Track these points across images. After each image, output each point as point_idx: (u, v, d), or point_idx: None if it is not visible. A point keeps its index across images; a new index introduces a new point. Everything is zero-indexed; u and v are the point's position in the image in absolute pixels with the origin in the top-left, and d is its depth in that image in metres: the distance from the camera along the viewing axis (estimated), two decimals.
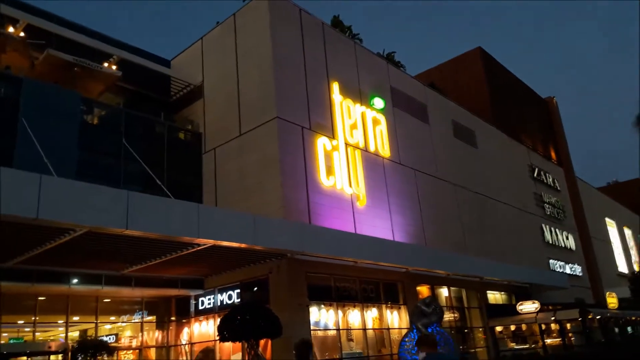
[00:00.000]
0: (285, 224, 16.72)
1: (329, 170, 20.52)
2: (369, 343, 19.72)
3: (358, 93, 23.83)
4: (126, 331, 20.47)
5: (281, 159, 18.96)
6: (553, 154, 46.69)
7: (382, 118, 24.51)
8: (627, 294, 37.54)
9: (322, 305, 18.62)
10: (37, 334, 18.21)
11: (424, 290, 23.32)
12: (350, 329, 19.43)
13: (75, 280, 16.61)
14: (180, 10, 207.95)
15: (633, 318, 32.46)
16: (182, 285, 19.53)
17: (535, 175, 39.27)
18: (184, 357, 20.07)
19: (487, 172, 32.50)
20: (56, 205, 10.85)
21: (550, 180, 41.62)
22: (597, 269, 43.56)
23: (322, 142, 20.71)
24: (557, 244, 38.77)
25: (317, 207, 19.37)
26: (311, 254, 16.88)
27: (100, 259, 15.86)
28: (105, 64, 21.62)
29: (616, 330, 30.60)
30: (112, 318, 19.95)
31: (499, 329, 26.87)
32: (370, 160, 22.93)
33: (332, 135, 21.44)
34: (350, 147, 21.95)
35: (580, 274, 40.87)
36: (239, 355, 17.49)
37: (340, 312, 19.16)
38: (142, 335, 19.99)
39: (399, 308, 21.72)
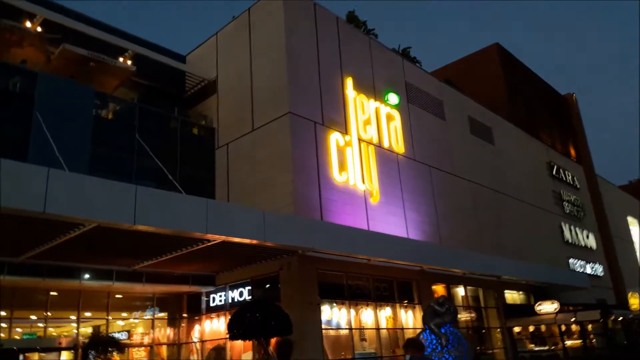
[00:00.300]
0: (295, 219, 16.45)
1: (342, 166, 20.22)
2: (382, 343, 19.38)
3: (372, 89, 23.47)
4: (138, 328, 20.42)
5: (293, 155, 18.71)
6: (572, 152, 45.75)
7: (396, 114, 24.12)
8: None
9: (334, 304, 18.33)
10: (50, 329, 18.27)
11: (439, 289, 22.89)
12: (363, 329, 19.11)
13: (86, 276, 16.54)
14: (199, 9, 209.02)
15: None
16: (193, 282, 19.37)
17: (554, 172, 38.46)
18: (195, 355, 19.95)
19: (504, 170, 31.88)
20: (64, 199, 10.71)
21: (570, 178, 40.75)
22: (619, 269, 42.56)
23: (334, 138, 20.41)
24: (577, 243, 37.94)
25: (329, 203, 19.09)
26: (322, 251, 16.58)
27: (110, 255, 15.79)
28: (121, 59, 21.57)
29: None
30: (124, 314, 19.91)
31: (517, 329, 26.31)
32: (384, 156, 22.56)
33: (345, 130, 21.12)
34: (363, 143, 21.62)
35: (602, 274, 39.96)
36: (250, 354, 17.28)
37: (352, 311, 18.85)
38: (153, 332, 19.92)
39: (414, 307, 21.33)
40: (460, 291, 24.44)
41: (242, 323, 14.00)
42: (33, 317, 17.68)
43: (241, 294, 18.83)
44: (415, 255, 19.73)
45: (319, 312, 17.22)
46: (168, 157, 20.48)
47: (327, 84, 21.24)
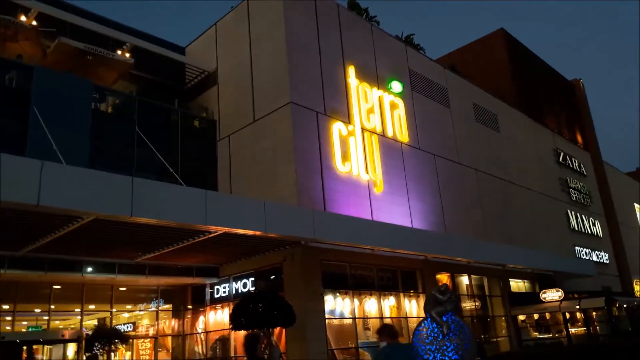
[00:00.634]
0: (297, 210, 16.35)
1: (345, 156, 20.04)
2: None
3: (375, 77, 23.20)
4: (143, 320, 20.48)
5: (295, 145, 18.55)
6: (579, 138, 45.29)
7: (400, 102, 23.86)
8: None
9: (338, 294, 18.25)
10: (56, 322, 18.35)
11: (443, 278, 22.79)
12: (367, 318, 19.05)
13: (88, 269, 16.54)
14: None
15: None
16: (197, 274, 19.36)
17: (560, 159, 38.06)
18: (200, 346, 20.00)
19: (509, 157, 31.58)
20: (58, 192, 10.60)
21: (577, 164, 40.34)
22: (625, 256, 42.24)
23: (337, 127, 20.21)
24: (583, 230, 37.62)
25: (332, 193, 18.95)
26: (326, 242, 16.48)
27: (112, 247, 15.75)
28: (119, 52, 21.39)
29: None
30: (129, 306, 19.96)
31: (521, 317, 26.19)
32: (388, 146, 22.35)
33: (347, 120, 20.92)
34: (366, 132, 21.41)
35: (608, 262, 39.65)
36: None
37: (356, 301, 18.78)
38: (158, 324, 19.96)
39: (418, 296, 21.23)
40: (464, 280, 24.32)
41: (245, 314, 14.01)
42: (37, 310, 17.76)
43: (245, 285, 18.80)
44: (419, 244, 19.58)
45: (322, 301, 17.16)
46: (169, 150, 20.37)
47: (328, 73, 21.00)
